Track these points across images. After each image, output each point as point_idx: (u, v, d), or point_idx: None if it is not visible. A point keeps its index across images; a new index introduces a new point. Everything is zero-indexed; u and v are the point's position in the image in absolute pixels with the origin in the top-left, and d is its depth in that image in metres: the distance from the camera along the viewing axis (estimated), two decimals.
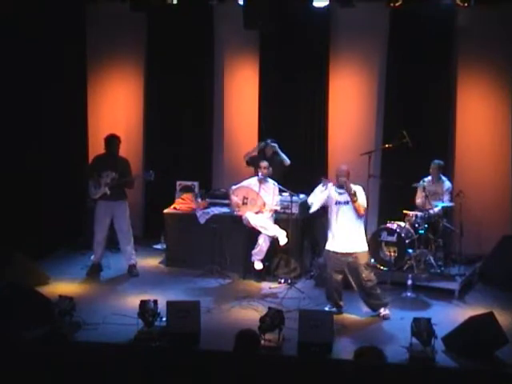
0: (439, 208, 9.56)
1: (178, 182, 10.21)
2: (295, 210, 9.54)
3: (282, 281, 9.38)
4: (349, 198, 8.04)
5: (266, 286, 9.33)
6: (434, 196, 9.70)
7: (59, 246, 10.57)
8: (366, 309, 8.31)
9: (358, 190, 8.09)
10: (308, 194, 9.99)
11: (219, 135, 11.39)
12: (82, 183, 9.95)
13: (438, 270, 9.36)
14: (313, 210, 8.36)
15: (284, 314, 7.42)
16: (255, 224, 9.44)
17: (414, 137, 9.93)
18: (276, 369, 6.54)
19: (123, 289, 9.18)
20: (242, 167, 10.46)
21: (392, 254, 9.30)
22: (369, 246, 8.37)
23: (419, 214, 9.52)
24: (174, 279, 9.56)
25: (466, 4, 9.42)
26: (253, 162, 10.12)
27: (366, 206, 8.18)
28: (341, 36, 10.80)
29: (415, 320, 7.15)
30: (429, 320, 7.11)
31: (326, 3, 9.96)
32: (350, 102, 10.97)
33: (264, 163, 9.65)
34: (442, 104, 10.53)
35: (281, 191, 9.66)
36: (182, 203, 10.12)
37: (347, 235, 8.09)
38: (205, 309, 7.89)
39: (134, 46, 11.38)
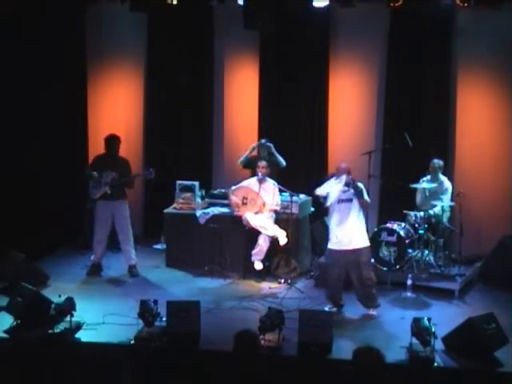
0: (439, 208, 9.57)
1: (178, 182, 10.21)
2: (295, 210, 9.53)
3: (282, 281, 9.38)
4: (351, 196, 8.06)
5: (266, 286, 9.33)
6: (433, 196, 9.70)
7: (59, 245, 10.57)
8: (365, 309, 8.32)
9: (361, 186, 8.16)
10: (308, 193, 10.06)
11: (219, 135, 11.38)
12: (82, 183, 9.94)
13: (438, 270, 9.36)
14: (330, 202, 8.18)
15: (284, 314, 7.42)
16: (255, 224, 9.44)
17: (414, 137, 9.94)
18: (276, 369, 6.55)
19: (123, 289, 9.18)
20: (241, 167, 10.45)
21: (392, 254, 9.31)
22: None
23: (419, 214, 9.53)
24: (174, 279, 9.56)
25: (465, 4, 9.40)
26: (250, 164, 10.11)
27: (369, 201, 8.30)
28: (341, 36, 10.79)
29: (415, 320, 7.15)
30: (429, 320, 7.12)
31: (326, 3, 9.95)
32: (350, 102, 10.96)
33: (262, 163, 9.65)
34: (442, 104, 10.52)
35: (281, 191, 9.67)
36: (182, 203, 10.11)
37: (350, 232, 8.11)
38: (205, 309, 7.88)
39: (134, 46, 11.37)
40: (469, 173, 10.47)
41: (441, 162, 9.82)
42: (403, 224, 9.52)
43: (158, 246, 10.73)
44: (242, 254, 9.67)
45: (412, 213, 9.59)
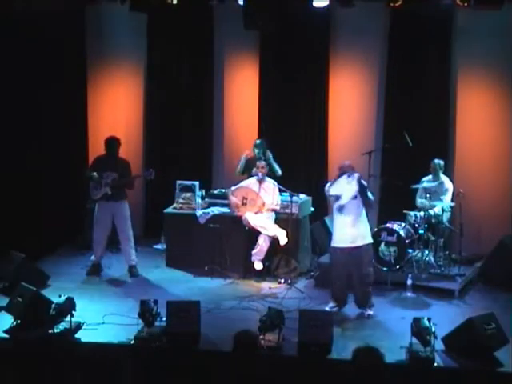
0: (439, 208, 9.57)
1: (177, 182, 10.21)
2: (295, 210, 9.53)
3: (282, 281, 9.37)
4: (356, 193, 8.07)
5: (266, 286, 9.33)
6: (434, 195, 9.70)
7: (59, 245, 10.57)
8: None
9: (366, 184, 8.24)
10: (308, 193, 10.07)
11: (219, 135, 11.38)
12: (82, 184, 9.94)
13: (438, 270, 9.36)
14: (345, 201, 8.12)
15: (284, 314, 7.43)
16: (255, 224, 9.44)
17: (413, 137, 9.94)
18: (276, 369, 6.55)
19: (123, 289, 9.18)
20: (240, 175, 10.42)
21: (392, 253, 9.31)
22: None
23: (419, 214, 9.53)
24: (174, 279, 9.56)
25: (465, 4, 9.39)
26: (247, 167, 10.12)
27: (373, 199, 8.37)
28: (341, 36, 10.79)
29: (415, 320, 7.15)
30: (429, 320, 7.12)
31: (326, 3, 9.95)
32: (349, 102, 10.96)
33: (262, 163, 9.65)
34: (442, 104, 10.52)
35: (281, 191, 9.66)
36: (182, 203, 10.10)
37: (354, 230, 8.14)
38: (205, 309, 7.88)
39: (134, 46, 11.36)
40: (469, 173, 10.47)
41: (441, 162, 9.82)
42: (403, 224, 9.52)
43: (158, 246, 10.73)
44: (242, 254, 9.67)
45: (412, 213, 9.59)
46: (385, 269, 9.29)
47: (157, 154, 11.36)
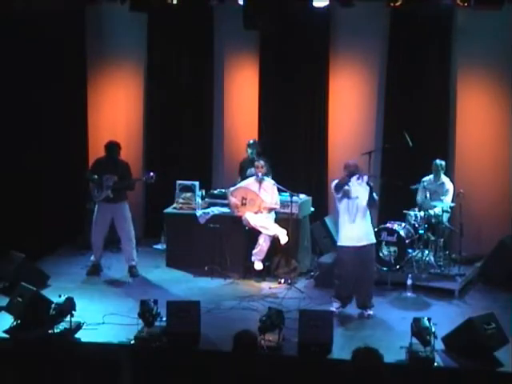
0: (439, 208, 9.57)
1: (178, 182, 10.21)
2: (295, 209, 9.53)
3: (282, 281, 9.38)
4: (362, 192, 8.08)
5: (266, 285, 9.33)
6: (434, 195, 9.71)
7: (59, 245, 10.57)
8: None
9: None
10: (308, 193, 10.06)
11: (219, 135, 11.38)
12: (81, 184, 9.94)
13: (438, 270, 9.37)
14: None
15: (284, 314, 7.43)
16: (255, 224, 9.44)
17: (413, 137, 9.94)
18: (276, 369, 6.55)
19: (123, 289, 9.18)
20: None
21: (392, 253, 9.31)
22: None
23: (419, 214, 9.53)
24: (174, 279, 9.56)
25: (465, 4, 9.39)
26: (241, 169, 10.12)
27: (377, 198, 8.45)
28: (341, 36, 10.79)
29: (415, 320, 7.15)
30: (429, 320, 7.12)
31: (326, 3, 9.95)
32: (349, 102, 10.96)
33: (260, 163, 9.63)
34: (442, 104, 10.52)
35: (280, 191, 9.66)
36: (182, 203, 10.10)
37: (361, 229, 8.18)
38: (205, 309, 7.89)
39: (134, 46, 11.36)
40: (469, 173, 10.47)
41: (443, 163, 9.83)
42: (403, 224, 9.52)
43: (158, 246, 10.73)
44: (242, 254, 9.67)
45: (412, 213, 9.60)
46: (385, 269, 9.30)
47: (157, 153, 11.36)
